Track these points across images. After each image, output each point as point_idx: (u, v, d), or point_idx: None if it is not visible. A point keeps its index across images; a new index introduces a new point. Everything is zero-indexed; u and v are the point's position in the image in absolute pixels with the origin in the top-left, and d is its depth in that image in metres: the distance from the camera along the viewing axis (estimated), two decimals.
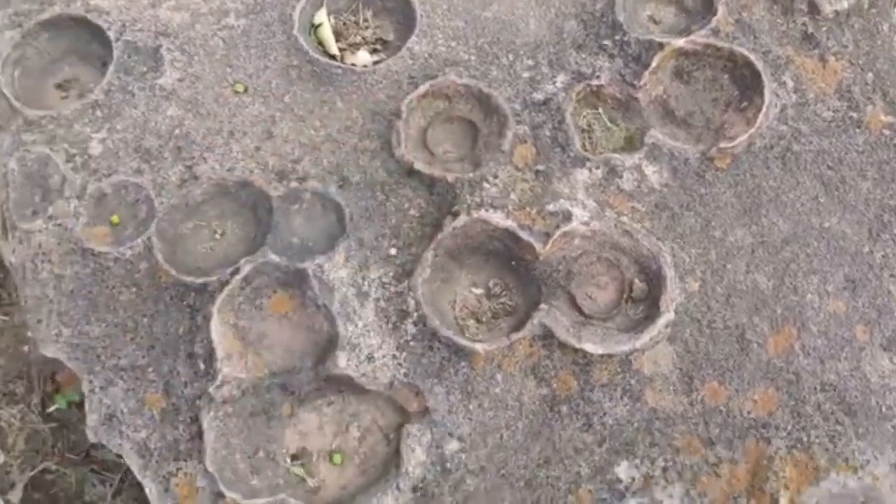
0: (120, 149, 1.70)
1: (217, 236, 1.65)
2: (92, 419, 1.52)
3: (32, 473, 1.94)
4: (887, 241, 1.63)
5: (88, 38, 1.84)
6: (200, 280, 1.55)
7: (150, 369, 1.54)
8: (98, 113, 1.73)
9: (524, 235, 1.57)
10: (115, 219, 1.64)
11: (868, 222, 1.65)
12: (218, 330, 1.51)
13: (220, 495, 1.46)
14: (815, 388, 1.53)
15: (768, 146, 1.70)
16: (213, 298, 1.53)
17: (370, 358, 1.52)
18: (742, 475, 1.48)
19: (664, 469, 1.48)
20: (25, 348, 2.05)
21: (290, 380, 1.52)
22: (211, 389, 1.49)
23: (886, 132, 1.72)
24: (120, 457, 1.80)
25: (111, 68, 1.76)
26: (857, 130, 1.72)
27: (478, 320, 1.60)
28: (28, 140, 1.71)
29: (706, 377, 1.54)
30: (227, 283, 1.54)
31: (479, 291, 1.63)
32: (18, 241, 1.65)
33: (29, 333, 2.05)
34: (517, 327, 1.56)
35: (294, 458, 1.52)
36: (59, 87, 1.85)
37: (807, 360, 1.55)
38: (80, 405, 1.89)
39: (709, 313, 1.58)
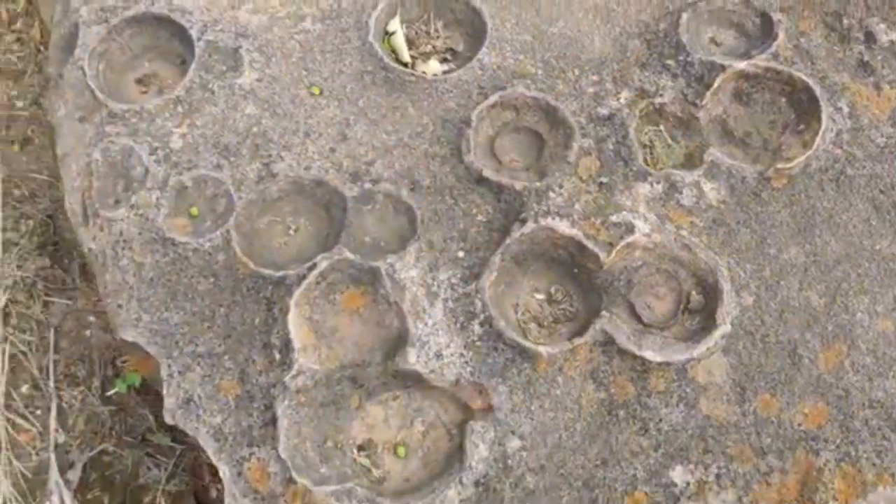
0: (200, 144, 1.77)
1: (291, 232, 1.72)
2: (170, 402, 1.59)
3: (91, 454, 2.01)
4: None
5: (169, 35, 1.91)
6: (279, 273, 1.61)
7: (227, 357, 1.61)
8: (179, 109, 1.80)
9: (589, 245, 1.64)
10: (194, 211, 1.71)
11: None
12: (295, 322, 1.58)
13: (291, 481, 1.53)
14: (864, 405, 1.59)
15: (823, 168, 1.76)
16: (291, 292, 1.60)
17: (438, 355, 1.58)
18: (792, 485, 1.54)
19: (717, 476, 1.54)
20: (88, 332, 2.13)
21: (360, 373, 1.59)
22: (286, 379, 1.56)
23: None
24: (175, 441, 1.88)
25: (193, 66, 1.83)
26: None
27: (539, 324, 1.67)
28: (112, 132, 1.79)
29: (759, 389, 1.60)
30: (304, 277, 1.61)
31: (540, 297, 1.69)
32: (99, 229, 1.72)
33: (89, 319, 2.13)
34: (577, 333, 1.63)
35: (360, 448, 1.59)
36: (139, 81, 1.92)
37: (856, 376, 1.61)
38: (139, 390, 1.97)
39: (762, 327, 1.64)
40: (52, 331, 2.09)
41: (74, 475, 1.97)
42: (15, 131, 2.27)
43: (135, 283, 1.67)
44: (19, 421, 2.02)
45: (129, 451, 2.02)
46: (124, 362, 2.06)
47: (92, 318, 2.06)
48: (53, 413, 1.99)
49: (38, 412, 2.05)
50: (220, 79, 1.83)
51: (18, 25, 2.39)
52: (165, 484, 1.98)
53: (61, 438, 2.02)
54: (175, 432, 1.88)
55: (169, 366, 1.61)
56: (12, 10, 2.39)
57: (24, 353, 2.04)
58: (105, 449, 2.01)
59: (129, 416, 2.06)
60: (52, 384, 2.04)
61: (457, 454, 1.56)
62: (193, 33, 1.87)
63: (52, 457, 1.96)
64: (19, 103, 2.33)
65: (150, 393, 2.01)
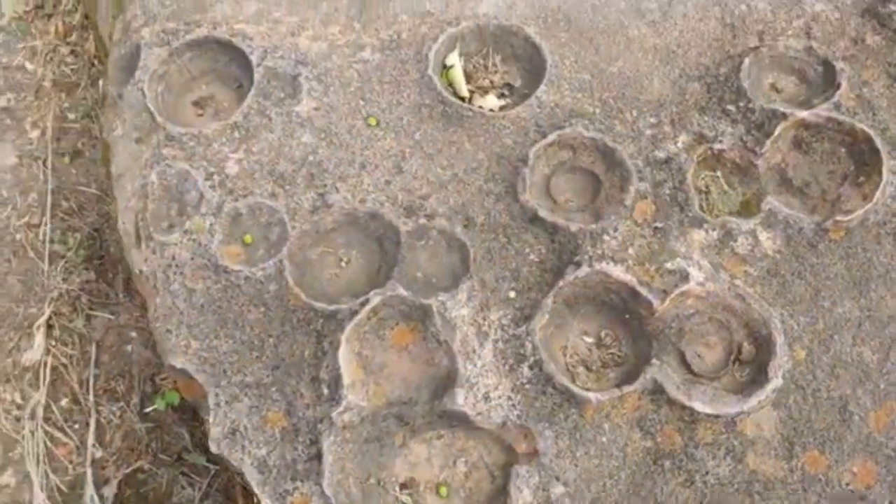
0: (255, 171, 1.78)
1: (342, 264, 1.72)
2: (215, 432, 1.59)
3: (127, 472, 2.02)
4: None
5: (228, 60, 1.92)
6: (332, 307, 1.61)
7: (274, 388, 1.61)
8: (236, 134, 1.81)
9: (643, 291, 1.62)
10: (247, 238, 1.72)
11: None
12: (345, 357, 1.58)
13: None
14: None
15: (881, 222, 1.74)
16: (342, 326, 1.60)
17: (486, 397, 1.58)
18: None
19: None
20: (129, 348, 2.14)
21: (406, 411, 1.58)
22: (334, 415, 1.56)
23: None
24: (210, 461, 1.88)
25: (252, 92, 1.84)
26: None
27: (587, 368, 1.66)
28: (168, 155, 1.79)
29: (807, 445, 1.58)
30: (356, 312, 1.61)
31: (590, 340, 1.68)
32: (152, 252, 1.73)
33: (131, 339, 2.13)
34: (626, 379, 1.61)
35: (403, 486, 1.58)
36: (195, 103, 1.93)
37: None
38: (177, 408, 1.98)
39: (814, 382, 1.62)
40: (93, 345, 2.10)
41: (110, 491, 1.98)
42: (66, 143, 2.29)
43: (185, 309, 1.68)
44: (57, 434, 2.03)
45: (165, 469, 2.03)
46: (163, 379, 2.07)
47: (133, 334, 2.08)
48: (92, 428, 2.00)
49: (77, 426, 2.06)
50: (277, 105, 1.84)
51: (73, 38, 2.42)
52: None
53: (98, 454, 2.03)
54: (210, 453, 1.87)
55: (217, 395, 1.61)
56: (68, 23, 2.41)
57: (65, 366, 2.05)
58: (140, 466, 2.01)
59: (165, 434, 2.06)
60: (91, 399, 2.05)
61: (499, 497, 1.55)
62: (253, 59, 1.88)
63: (89, 472, 1.97)
64: (71, 115, 2.34)
65: (186, 411, 2.02)
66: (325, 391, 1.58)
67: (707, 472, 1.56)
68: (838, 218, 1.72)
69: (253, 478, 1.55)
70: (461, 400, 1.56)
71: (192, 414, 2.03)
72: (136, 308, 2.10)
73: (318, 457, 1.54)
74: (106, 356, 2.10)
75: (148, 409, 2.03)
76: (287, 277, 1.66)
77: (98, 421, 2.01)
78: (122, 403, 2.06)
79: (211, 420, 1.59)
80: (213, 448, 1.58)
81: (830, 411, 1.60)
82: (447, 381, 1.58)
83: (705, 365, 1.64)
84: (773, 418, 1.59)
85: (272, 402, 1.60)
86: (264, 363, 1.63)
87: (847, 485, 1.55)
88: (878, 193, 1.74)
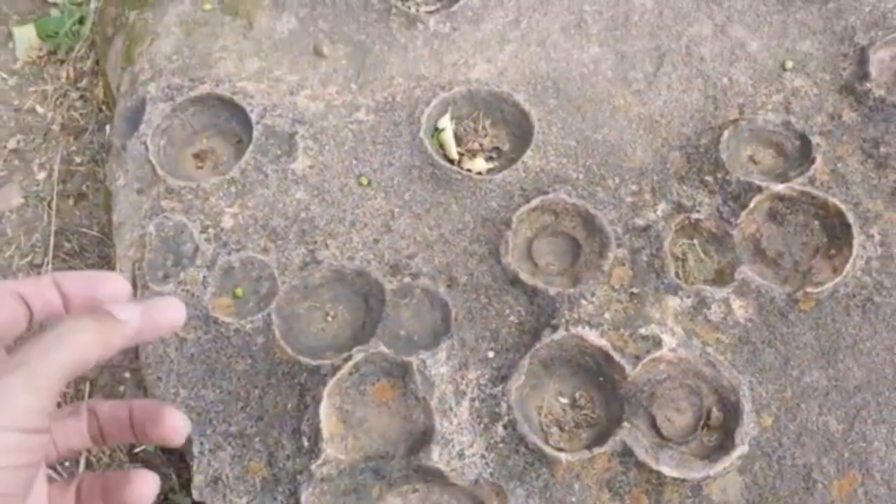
0: (250, 226, 1.85)
1: (329, 318, 1.79)
2: (198, 479, 1.65)
3: None
4: None
5: (229, 115, 2.01)
6: (315, 362, 1.68)
7: (257, 439, 1.68)
8: (233, 189, 1.89)
9: (616, 357, 1.69)
10: (239, 292, 1.79)
11: None
12: (326, 412, 1.65)
13: None
14: None
15: (851, 294, 1.80)
16: (325, 381, 1.67)
17: (461, 454, 1.64)
18: None
19: None
20: (122, 388, 2.20)
21: (383, 465, 1.65)
22: (313, 467, 1.62)
23: None
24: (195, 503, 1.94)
25: (250, 148, 1.91)
26: None
27: (561, 428, 1.72)
28: (167, 207, 1.87)
29: None
30: (338, 368, 1.67)
31: (564, 401, 1.75)
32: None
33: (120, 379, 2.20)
34: (598, 440, 1.67)
35: None
36: (195, 156, 2.01)
37: None
38: (165, 450, 2.04)
39: (780, 449, 1.68)
40: (87, 384, 2.16)
41: None
42: (71, 186, 2.37)
43: (176, 358, 1.75)
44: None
45: None
46: None
47: (127, 375, 2.14)
48: (82, 466, 2.06)
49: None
50: (274, 162, 1.92)
51: (84, 83, 2.50)
52: None
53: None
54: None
55: (202, 443, 1.67)
56: (79, 69, 2.50)
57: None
58: None
59: None
60: None
61: None
62: (253, 116, 1.96)
63: None
64: (78, 159, 2.43)
65: (174, 453, 2.07)
66: (306, 443, 1.64)
67: None
68: (809, 289, 1.79)
69: None
70: (436, 456, 1.62)
71: (179, 456, 2.09)
72: (130, 350, 2.17)
73: None
74: (99, 395, 2.17)
75: (137, 450, 2.09)
76: (274, 331, 1.73)
77: (88, 460, 2.07)
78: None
79: (195, 468, 1.65)
80: (196, 496, 1.64)
81: (795, 479, 1.65)
82: (424, 438, 1.64)
83: (675, 429, 1.70)
84: (738, 483, 1.65)
85: (254, 453, 1.66)
86: (248, 414, 1.69)
87: None
88: (847, 267, 1.80)
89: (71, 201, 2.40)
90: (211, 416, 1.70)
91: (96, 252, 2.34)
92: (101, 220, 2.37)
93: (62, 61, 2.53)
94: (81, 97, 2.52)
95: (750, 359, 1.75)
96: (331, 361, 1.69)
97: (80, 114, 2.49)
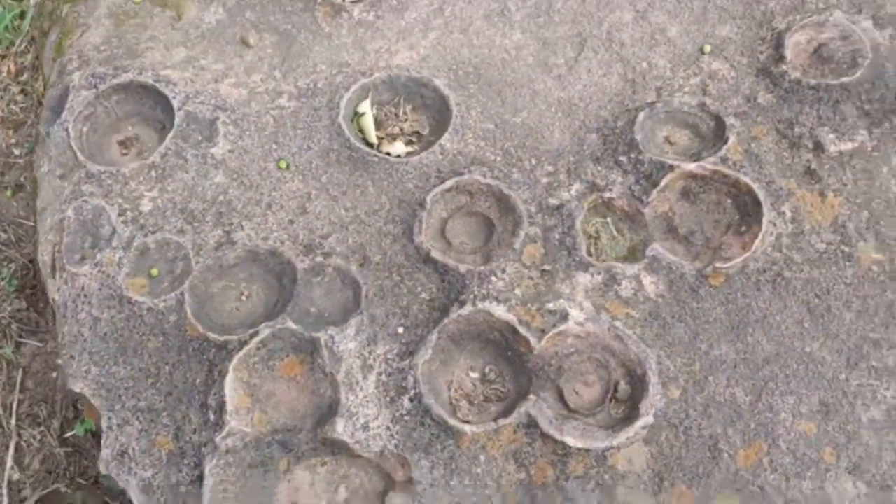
0: (168, 209, 1.87)
1: (243, 298, 1.81)
2: (105, 453, 1.67)
3: (44, 493, 2.09)
4: (864, 371, 1.74)
5: (153, 103, 2.03)
6: (222, 338, 1.70)
7: (165, 413, 1.70)
8: (153, 173, 1.91)
9: (522, 330, 1.71)
10: (154, 272, 1.81)
11: (847, 351, 1.76)
12: (231, 385, 1.66)
13: None
14: (777, 503, 1.63)
15: (761, 270, 1.82)
16: (231, 356, 1.69)
17: (365, 427, 1.65)
18: None
19: None
20: (54, 375, 2.22)
21: (290, 438, 1.66)
22: (217, 439, 1.63)
23: (875, 269, 1.83)
24: None
25: (170, 134, 1.94)
26: (847, 264, 1.83)
27: (470, 402, 1.73)
28: (87, 191, 1.89)
29: (676, 480, 1.65)
30: (245, 343, 1.69)
31: (475, 375, 1.76)
32: (64, 282, 1.82)
33: (59, 361, 2.22)
34: (506, 413, 1.69)
35: None
36: (121, 143, 2.03)
37: (773, 475, 1.65)
38: (96, 434, 2.05)
39: (686, 420, 1.69)
40: (20, 370, 2.18)
41: None
42: (10, 178, 2.39)
43: (89, 337, 1.76)
44: None
45: (81, 492, 2.09)
46: (84, 406, 2.14)
47: (59, 361, 2.16)
48: (11, 451, 2.08)
49: None
50: (194, 148, 1.94)
51: (24, 78, 2.53)
52: None
53: (16, 476, 2.10)
54: None
55: (110, 418, 1.69)
56: (20, 63, 2.52)
57: None
58: (58, 489, 2.08)
59: (83, 459, 2.13)
60: (13, 422, 2.13)
61: None
62: (175, 103, 1.98)
63: (5, 493, 2.04)
64: (16, 151, 2.45)
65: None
66: (212, 417, 1.66)
67: None
68: (718, 264, 1.81)
69: (137, 499, 1.63)
70: (340, 429, 1.63)
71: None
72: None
73: (201, 479, 1.62)
74: (31, 382, 2.18)
75: (68, 434, 2.10)
76: (186, 309, 1.74)
77: (18, 444, 2.08)
78: (42, 428, 2.13)
79: (103, 443, 1.66)
80: (102, 469, 1.65)
81: (701, 449, 1.66)
82: (330, 411, 1.66)
83: (583, 402, 1.71)
84: (644, 454, 1.66)
85: (162, 427, 1.68)
86: (158, 390, 1.71)
87: None
88: (757, 242, 1.82)
89: (9, 192, 2.43)
90: (120, 392, 1.72)
91: (32, 241, 2.36)
92: (37, 210, 2.39)
93: (3, 56, 2.56)
94: (22, 91, 2.54)
95: (659, 333, 1.77)
96: (238, 337, 1.70)
97: (21, 107, 2.51)
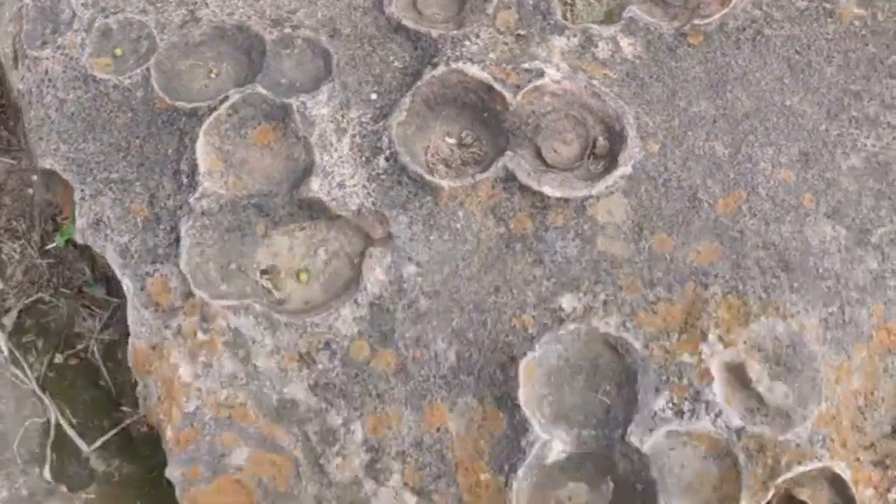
0: None
1: (212, 75, 1.77)
2: (81, 223, 1.65)
3: (27, 302, 2.08)
4: (844, 122, 1.72)
5: None
6: (191, 105, 1.66)
7: (138, 183, 1.67)
8: None
9: (497, 86, 1.68)
10: (118, 52, 1.77)
11: (828, 103, 1.74)
12: (203, 149, 1.64)
13: (191, 294, 1.58)
14: (758, 246, 1.62)
15: (741, 28, 1.78)
16: (202, 122, 1.65)
17: (341, 185, 1.63)
18: (677, 313, 1.58)
19: (605, 302, 1.59)
20: (30, 191, 2.18)
21: (266, 202, 1.64)
22: (191, 200, 1.61)
23: (856, 23, 1.80)
24: (110, 294, 1.94)
25: None
26: (829, 20, 1.80)
27: (447, 166, 1.71)
28: None
29: (656, 228, 1.64)
30: (215, 108, 1.66)
31: (451, 141, 1.73)
32: (27, 69, 1.78)
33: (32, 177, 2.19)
34: (483, 169, 1.67)
35: (263, 273, 1.64)
36: None
37: (752, 220, 1.64)
38: (77, 245, 2.03)
39: (665, 173, 1.67)
40: None
41: (10, 320, 2.03)
42: None
43: (56, 118, 1.73)
44: None
45: (66, 301, 2.08)
46: (64, 219, 2.11)
47: (35, 178, 2.12)
48: None
49: None
50: None
51: None
52: (99, 333, 2.04)
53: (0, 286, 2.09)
54: (110, 286, 1.94)
55: (82, 190, 1.67)
56: None
57: None
58: (42, 298, 2.07)
59: (66, 270, 2.12)
60: None
61: (356, 280, 1.61)
62: None
63: None
64: None
65: (87, 248, 2.06)
66: (185, 181, 1.63)
67: (556, 252, 1.61)
68: (696, 21, 1.77)
69: (115, 262, 1.61)
70: (316, 187, 1.61)
71: (92, 250, 2.08)
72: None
73: (178, 241, 1.60)
74: (7, 199, 2.15)
75: (49, 247, 2.08)
76: (153, 84, 1.71)
77: None
78: (23, 241, 2.11)
79: (77, 213, 1.64)
80: (79, 238, 1.64)
81: (680, 199, 1.65)
82: (305, 174, 1.63)
83: (561, 159, 1.69)
84: (623, 205, 1.65)
85: (135, 195, 1.66)
86: (129, 162, 1.68)
87: (691, 262, 1.60)
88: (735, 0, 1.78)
89: None
90: (91, 166, 1.69)
91: None
92: None
93: None
94: None
95: (637, 92, 1.74)
96: (207, 103, 1.67)
97: None
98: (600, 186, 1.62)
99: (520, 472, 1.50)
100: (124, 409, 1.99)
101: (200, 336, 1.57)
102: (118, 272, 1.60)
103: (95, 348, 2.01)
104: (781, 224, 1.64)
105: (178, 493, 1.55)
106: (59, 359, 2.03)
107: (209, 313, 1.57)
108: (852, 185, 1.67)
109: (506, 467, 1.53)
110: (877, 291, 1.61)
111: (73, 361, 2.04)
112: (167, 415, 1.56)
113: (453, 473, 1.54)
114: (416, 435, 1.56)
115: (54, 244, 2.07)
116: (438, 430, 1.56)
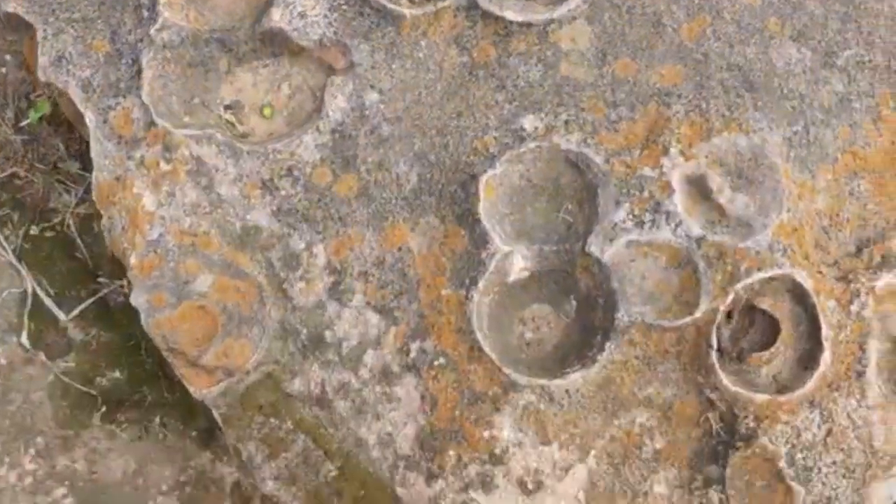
0: None
1: None
2: (43, 61, 1.65)
3: (2, 176, 2.08)
4: None
5: None
6: None
7: (100, 21, 1.67)
8: None
9: None
10: None
11: None
12: None
13: (153, 124, 1.59)
14: (722, 68, 1.62)
15: None
16: None
17: (303, 15, 1.63)
18: (639, 131, 1.58)
19: (566, 122, 1.59)
20: (3, 70, 2.18)
21: (229, 37, 1.64)
22: (152, 31, 1.61)
23: None
24: (85, 169, 1.94)
25: None
26: None
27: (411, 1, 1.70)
28: None
29: (619, 54, 1.63)
30: None
31: None
32: None
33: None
34: None
35: (227, 108, 1.64)
36: None
37: (717, 43, 1.63)
38: (52, 122, 2.04)
39: (629, 0, 1.66)
40: None
41: None
42: None
43: None
44: None
45: (41, 177, 2.09)
46: (38, 96, 2.11)
47: (8, 57, 2.12)
48: None
49: None
50: None
51: None
52: (75, 207, 2.05)
53: None
54: (85, 161, 1.94)
55: (45, 30, 1.67)
56: None
57: None
58: (17, 173, 2.08)
59: (41, 146, 2.12)
60: None
61: (318, 110, 1.61)
62: None
63: None
64: None
65: (62, 124, 2.07)
66: (146, 14, 1.63)
67: (518, 77, 1.61)
68: None
69: (77, 96, 1.62)
70: (277, 16, 1.61)
71: (67, 126, 2.08)
72: (10, 33, 2.15)
73: (140, 74, 1.60)
74: None
75: (23, 123, 2.08)
76: None
77: None
78: None
79: (38, 52, 1.64)
80: (41, 76, 1.64)
81: (644, 25, 1.64)
82: (267, 6, 1.63)
83: None
84: (587, 32, 1.64)
85: (97, 32, 1.66)
86: (91, 1, 1.68)
87: (654, 84, 1.60)
88: None
89: None
90: (54, 7, 1.70)
91: None
92: None
93: None
94: None
95: None
96: None
97: None
98: (562, 10, 1.62)
99: (480, 285, 1.51)
100: (101, 280, 2.00)
101: (163, 166, 1.58)
102: (80, 106, 1.61)
103: (71, 221, 2.02)
104: (746, 46, 1.63)
105: (143, 319, 1.57)
106: (34, 231, 2.04)
107: (172, 143, 1.58)
108: (818, 8, 1.66)
109: (467, 281, 1.53)
110: (842, 114, 1.60)
111: (49, 234, 2.05)
112: (131, 243, 1.58)
113: (415, 290, 1.55)
114: (378, 255, 1.57)
115: (28, 121, 2.07)
116: (400, 249, 1.57)
